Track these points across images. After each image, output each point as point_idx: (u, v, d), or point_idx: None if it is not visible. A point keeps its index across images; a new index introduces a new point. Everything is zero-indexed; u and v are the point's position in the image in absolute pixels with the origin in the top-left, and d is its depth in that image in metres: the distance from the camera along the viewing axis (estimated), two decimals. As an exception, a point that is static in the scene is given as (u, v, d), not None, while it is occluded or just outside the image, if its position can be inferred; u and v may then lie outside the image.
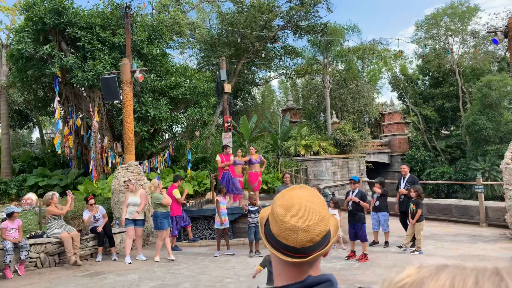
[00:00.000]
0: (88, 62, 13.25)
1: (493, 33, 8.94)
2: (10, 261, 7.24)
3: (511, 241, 8.31)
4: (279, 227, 1.03)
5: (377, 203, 8.37)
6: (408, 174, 8.76)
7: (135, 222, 8.54)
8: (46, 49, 13.06)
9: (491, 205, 10.05)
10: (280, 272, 1.07)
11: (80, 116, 15.00)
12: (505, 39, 8.56)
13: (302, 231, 1.00)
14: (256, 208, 8.45)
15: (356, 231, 7.65)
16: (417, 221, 7.58)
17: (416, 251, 7.60)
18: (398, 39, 15.81)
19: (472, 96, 30.63)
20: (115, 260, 8.42)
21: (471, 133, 28.30)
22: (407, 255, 7.67)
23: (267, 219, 1.11)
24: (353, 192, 7.88)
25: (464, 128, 29.07)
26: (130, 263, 8.12)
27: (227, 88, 15.72)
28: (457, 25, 32.89)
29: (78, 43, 13.67)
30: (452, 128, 36.40)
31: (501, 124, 27.64)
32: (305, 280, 1.01)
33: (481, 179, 10.08)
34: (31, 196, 12.54)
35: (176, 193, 9.20)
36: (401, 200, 8.59)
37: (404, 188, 8.55)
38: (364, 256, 7.42)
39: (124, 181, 10.26)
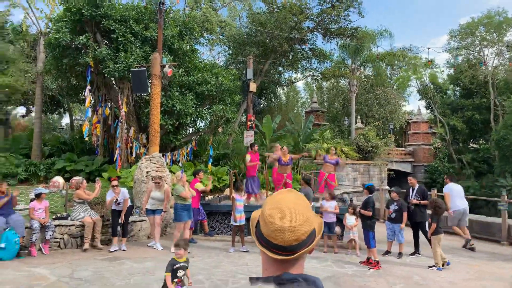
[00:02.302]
0: (120, 54, 13.67)
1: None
2: (36, 239, 7.63)
3: (532, 262, 8.07)
4: (268, 227, 1.16)
5: (394, 214, 8.28)
6: (417, 185, 8.73)
7: (154, 211, 8.85)
8: (82, 39, 13.56)
9: (515, 223, 9.76)
10: (267, 268, 1.21)
11: (109, 106, 15.49)
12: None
13: (289, 231, 1.13)
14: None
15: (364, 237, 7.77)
16: (432, 234, 7.43)
17: (435, 266, 7.42)
18: (429, 48, 15.55)
19: (505, 110, 29.57)
20: (123, 250, 8.32)
21: (501, 148, 27.34)
22: (421, 267, 7.57)
23: (258, 220, 1.23)
24: None
25: (494, 142, 28.12)
26: (162, 249, 8.58)
27: (253, 87, 15.88)
28: (493, 35, 31.80)
29: (112, 35, 14.12)
30: (480, 142, 35.27)
31: (534, 141, 26.57)
32: (281, 276, 1.14)
33: (506, 196, 9.81)
34: (58, 180, 13.10)
35: (199, 186, 9.39)
36: (411, 211, 8.51)
37: (414, 198, 8.51)
38: (377, 264, 7.40)
39: (147, 172, 10.57)
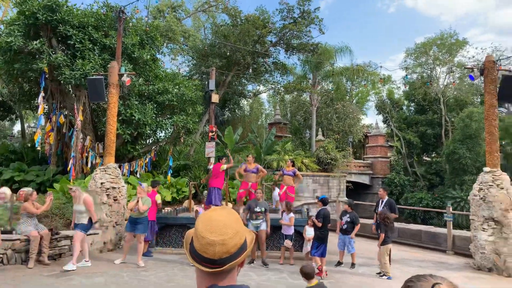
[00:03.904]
0: (77, 61, 13.24)
1: (471, 70, 9.36)
2: (-25, 255, 7.12)
3: (474, 271, 8.57)
4: (199, 242, 1.19)
5: (345, 226, 8.51)
6: (386, 198, 9.00)
7: (76, 225, 8.15)
8: (36, 44, 13.03)
9: (459, 233, 10.36)
10: (199, 282, 1.24)
11: (64, 114, 14.91)
12: (481, 76, 8.97)
13: (219, 245, 1.17)
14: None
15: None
16: (381, 244, 7.76)
17: (385, 275, 7.73)
18: (381, 66, 16.40)
19: (454, 126, 31.46)
20: None
21: (450, 161, 28.96)
22: (373, 277, 7.83)
23: (192, 237, 1.26)
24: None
25: (445, 156, 29.75)
26: (73, 269, 7.58)
27: (215, 98, 15.87)
28: (445, 56, 33.92)
29: (69, 41, 13.67)
30: (433, 155, 37.18)
31: (480, 155, 28.32)
32: None
33: (450, 208, 10.41)
34: (5, 191, 12.27)
35: (158, 198, 9.36)
36: (378, 222, 8.81)
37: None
38: (320, 270, 7.59)
39: (102, 183, 10.23)
